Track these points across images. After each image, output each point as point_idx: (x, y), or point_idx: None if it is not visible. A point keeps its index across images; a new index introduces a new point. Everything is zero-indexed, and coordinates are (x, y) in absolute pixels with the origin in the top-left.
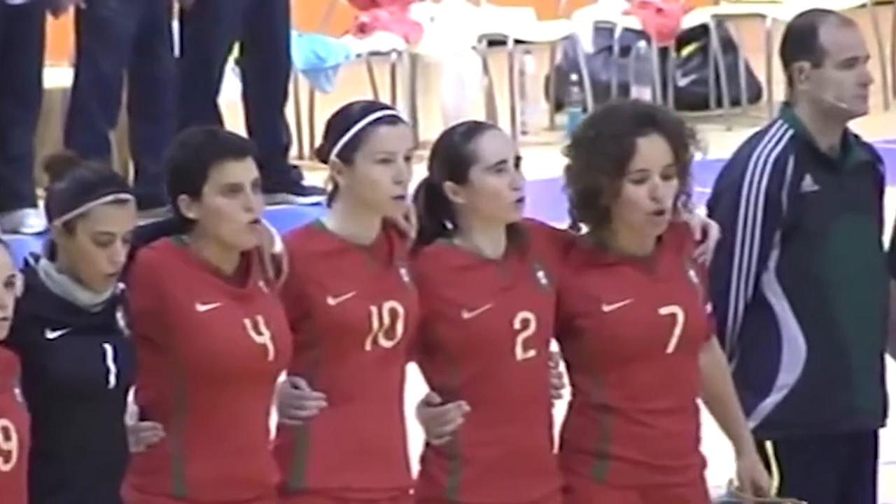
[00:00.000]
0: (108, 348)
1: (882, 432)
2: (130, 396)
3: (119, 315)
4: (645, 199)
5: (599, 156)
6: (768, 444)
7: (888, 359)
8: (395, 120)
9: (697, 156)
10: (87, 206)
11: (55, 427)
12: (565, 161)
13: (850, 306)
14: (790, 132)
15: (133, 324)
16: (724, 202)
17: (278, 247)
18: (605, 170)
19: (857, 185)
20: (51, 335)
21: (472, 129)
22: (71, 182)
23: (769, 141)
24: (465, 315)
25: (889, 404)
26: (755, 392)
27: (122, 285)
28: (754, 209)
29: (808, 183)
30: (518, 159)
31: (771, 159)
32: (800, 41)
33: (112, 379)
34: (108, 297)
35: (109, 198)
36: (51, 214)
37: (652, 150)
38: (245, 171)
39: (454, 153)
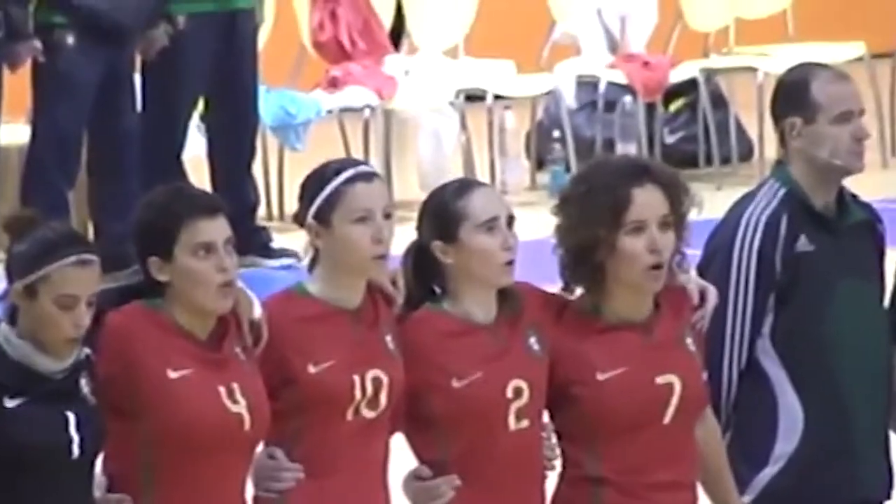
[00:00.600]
0: (71, 416)
1: None
2: (98, 467)
3: (83, 382)
4: (643, 251)
5: (593, 208)
6: None
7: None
8: (370, 176)
9: (692, 213)
10: (49, 268)
11: (16, 501)
12: (554, 220)
13: (850, 373)
14: (783, 191)
15: (100, 391)
16: (715, 264)
17: (257, 312)
18: (599, 222)
19: (856, 246)
20: (10, 403)
21: (463, 186)
22: (32, 243)
23: (761, 200)
24: (455, 384)
25: (895, 476)
26: (752, 463)
27: (87, 350)
28: (746, 271)
29: (802, 243)
30: (511, 218)
31: (763, 218)
32: (791, 96)
33: (76, 449)
34: (71, 363)
35: (72, 258)
36: (11, 277)
37: (648, 200)
38: (217, 229)
39: (443, 210)
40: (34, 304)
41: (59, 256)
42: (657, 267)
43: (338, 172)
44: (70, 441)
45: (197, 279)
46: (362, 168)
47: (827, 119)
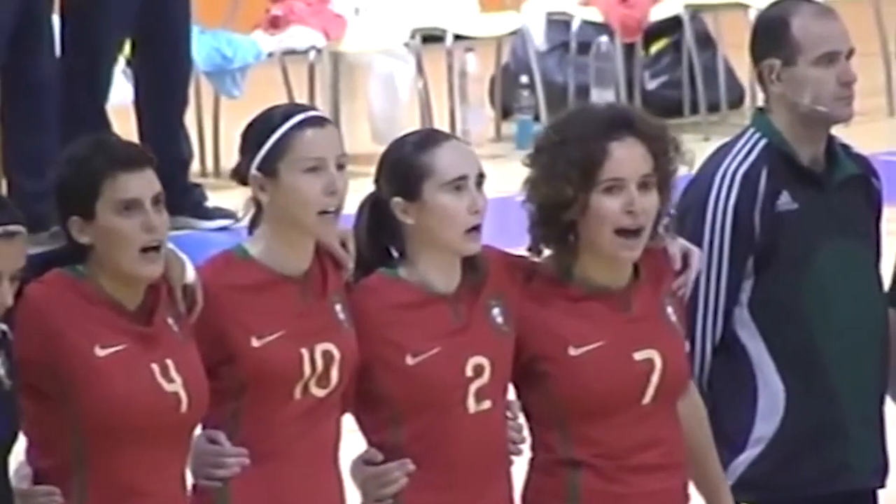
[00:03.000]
0: None
1: (882, 494)
2: (16, 456)
3: None
4: (617, 212)
5: (564, 162)
6: None
7: (889, 406)
8: (322, 122)
9: (682, 171)
10: None
11: None
12: (523, 174)
13: (838, 346)
14: (763, 141)
15: (19, 372)
16: (687, 225)
17: (190, 276)
18: (570, 178)
19: (846, 204)
20: None
21: (428, 139)
22: None
23: (739, 152)
24: (410, 361)
25: (889, 460)
26: (728, 447)
27: (2, 326)
28: (721, 232)
29: (784, 200)
30: (481, 177)
31: (740, 173)
32: (770, 35)
33: None
34: None
35: None
36: None
37: (627, 156)
38: (144, 184)
39: (406, 165)
40: None
41: None
42: (633, 232)
43: (286, 118)
44: None
45: (120, 240)
46: (313, 113)
47: (808, 60)
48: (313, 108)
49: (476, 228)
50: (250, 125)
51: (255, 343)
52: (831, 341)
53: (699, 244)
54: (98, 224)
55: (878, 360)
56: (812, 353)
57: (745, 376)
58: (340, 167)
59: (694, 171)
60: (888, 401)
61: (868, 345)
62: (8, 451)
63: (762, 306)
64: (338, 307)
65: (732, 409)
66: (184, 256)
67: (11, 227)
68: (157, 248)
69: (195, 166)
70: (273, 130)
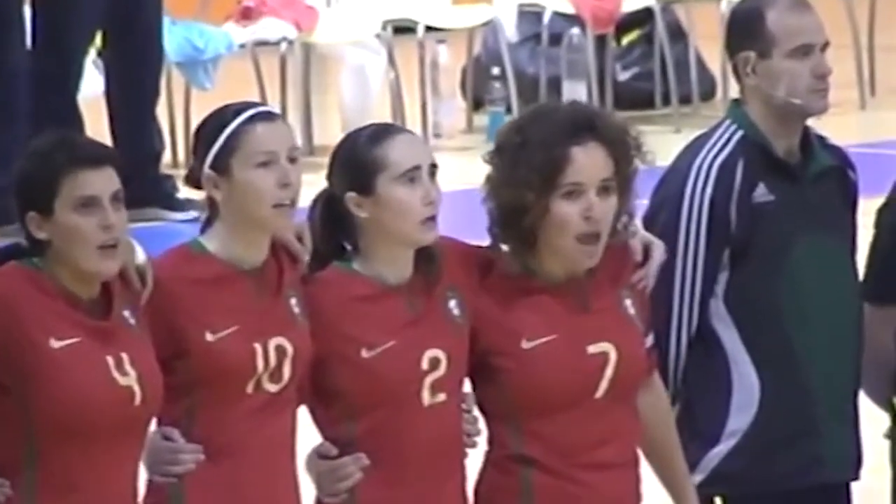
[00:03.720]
0: None
1: (855, 487)
2: None
3: None
4: (576, 218)
5: (525, 166)
6: (717, 502)
7: (863, 400)
8: (272, 116)
9: (641, 166)
10: None
11: None
12: (486, 169)
13: (813, 339)
14: (739, 133)
15: None
16: (662, 216)
17: (141, 257)
18: (530, 183)
19: (822, 196)
20: None
21: (381, 132)
22: None
23: (715, 144)
24: (364, 354)
25: (863, 453)
26: (702, 440)
27: None
28: (697, 224)
29: (760, 192)
30: (433, 167)
31: (716, 165)
32: (744, 27)
33: None
34: None
35: None
36: None
37: (588, 161)
38: (102, 181)
39: (359, 159)
40: None
41: None
42: (591, 236)
43: (236, 114)
44: None
45: (77, 237)
46: (262, 108)
47: (783, 53)
48: (263, 104)
49: (431, 219)
50: (201, 125)
51: (209, 338)
52: (806, 335)
53: (674, 236)
54: (56, 220)
55: (853, 354)
56: (787, 346)
57: (721, 369)
58: (293, 160)
59: (667, 164)
60: (862, 395)
61: (843, 339)
62: None
63: (738, 299)
64: (293, 301)
65: (707, 403)
66: (132, 240)
67: None
68: (114, 246)
69: (166, 158)
70: (224, 127)
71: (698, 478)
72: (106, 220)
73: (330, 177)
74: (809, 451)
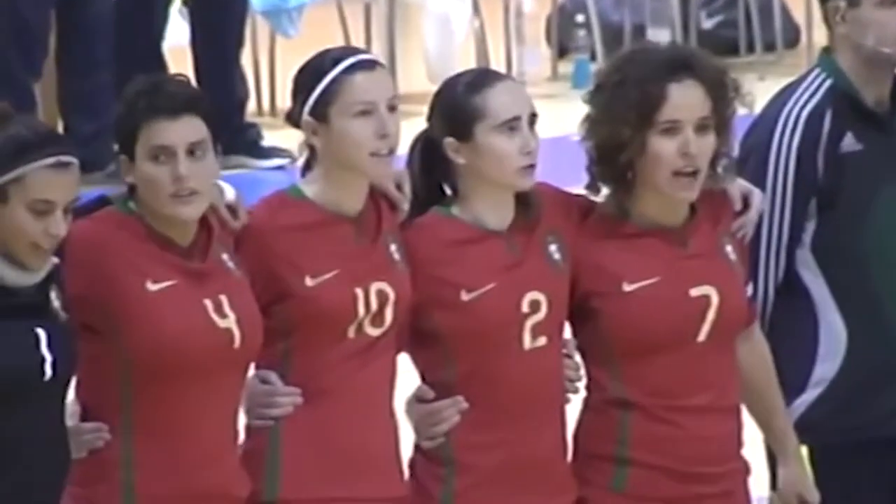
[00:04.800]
0: (42, 334)
1: None
2: (71, 392)
3: (53, 295)
4: (673, 154)
5: (622, 102)
6: (803, 450)
7: None
8: (372, 65)
9: (743, 112)
10: (23, 170)
11: None
12: (581, 113)
13: None
14: (828, 83)
15: (70, 308)
16: (749, 166)
17: (230, 195)
18: (627, 119)
19: None
20: None
21: (481, 79)
22: (4, 140)
23: (803, 93)
24: (464, 297)
25: None
26: (788, 388)
27: (55, 260)
28: (784, 173)
29: (848, 142)
30: (533, 117)
31: (805, 114)
32: None
33: (48, 369)
34: (42, 277)
35: (50, 160)
36: None
37: (685, 99)
38: (180, 131)
39: (458, 106)
40: (4, 209)
41: (35, 157)
42: (690, 174)
43: (335, 62)
44: (42, 360)
45: (150, 185)
46: (363, 56)
47: (872, 2)
48: (364, 52)
49: (529, 167)
50: (301, 70)
51: (309, 282)
52: (893, 283)
53: (762, 185)
54: (137, 167)
55: None
56: (874, 295)
57: (807, 318)
58: (392, 109)
59: (755, 112)
60: None
61: None
62: (67, 384)
63: (824, 247)
64: (392, 247)
65: (793, 351)
66: (220, 182)
67: (64, 158)
68: (188, 195)
69: (251, 106)
70: (323, 75)
71: None
72: (177, 171)
73: (429, 120)
74: (895, 399)
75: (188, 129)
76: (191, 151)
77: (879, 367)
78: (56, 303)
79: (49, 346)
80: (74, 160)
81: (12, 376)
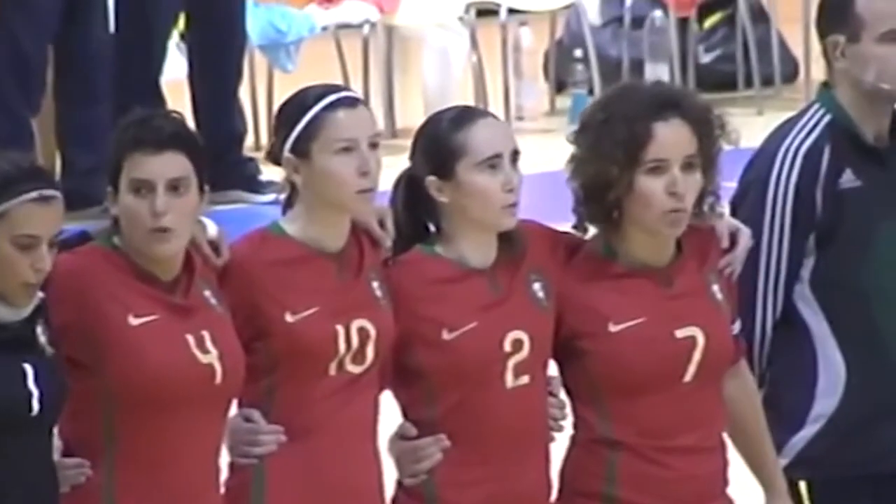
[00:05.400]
0: (29, 368)
1: None
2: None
3: (40, 330)
4: (660, 193)
5: (609, 141)
6: (802, 485)
7: None
8: (353, 102)
9: (733, 146)
10: (7, 205)
11: None
12: (569, 152)
13: None
14: (827, 118)
15: (55, 341)
16: (748, 200)
17: (212, 231)
18: (614, 158)
19: None
20: None
21: (462, 116)
22: None
23: (802, 129)
24: (446, 336)
25: None
26: (787, 424)
27: (41, 294)
28: (783, 208)
29: (847, 178)
30: (515, 154)
31: (803, 150)
32: (834, 11)
33: (35, 404)
34: (28, 313)
35: (32, 194)
36: None
37: (672, 137)
38: (161, 166)
39: (440, 144)
40: None
41: (17, 192)
42: (676, 211)
43: (318, 99)
44: (29, 395)
45: (131, 219)
46: (345, 93)
47: (872, 37)
48: (346, 89)
49: (512, 205)
50: (283, 107)
51: (290, 318)
52: (892, 319)
53: (760, 220)
54: (119, 199)
55: None
56: (873, 331)
57: (806, 353)
58: (373, 146)
59: (750, 147)
60: None
61: None
62: (55, 419)
63: (823, 284)
64: (374, 284)
65: (792, 386)
66: (202, 218)
67: (47, 192)
68: (165, 230)
69: (249, 140)
70: (305, 111)
71: (782, 462)
72: (154, 206)
73: (412, 158)
74: (894, 435)
75: (170, 165)
76: (173, 187)
77: (879, 403)
78: (42, 338)
79: (36, 380)
80: (57, 194)
81: (0, 411)
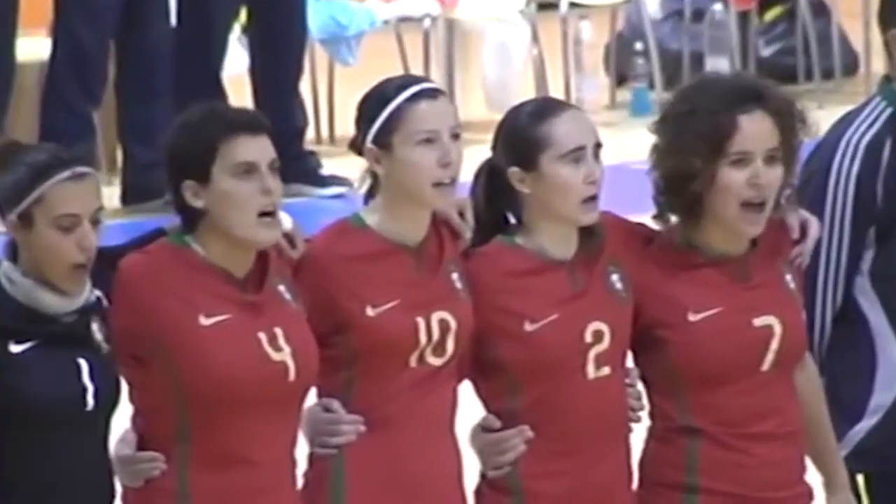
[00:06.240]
0: (84, 364)
1: None
2: (122, 423)
3: (95, 327)
4: (743, 186)
5: (693, 133)
6: (859, 478)
7: None
8: (435, 94)
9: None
10: (41, 189)
11: (22, 459)
12: (641, 142)
13: None
14: (888, 111)
15: (119, 342)
16: (808, 192)
17: (288, 224)
18: (698, 150)
19: None
20: (15, 349)
21: (546, 108)
22: (19, 167)
23: (863, 121)
24: (528, 328)
25: None
26: (845, 416)
27: (97, 292)
28: (843, 201)
29: None
30: (598, 146)
31: (864, 142)
32: (894, 4)
33: (90, 399)
34: (80, 304)
35: (65, 173)
36: (3, 210)
37: (755, 130)
38: (260, 148)
39: (523, 134)
40: (32, 234)
41: (51, 174)
42: (757, 204)
43: (399, 90)
44: (84, 390)
45: (237, 203)
46: (426, 84)
47: None
48: (427, 80)
49: (593, 198)
50: (365, 98)
51: (370, 312)
52: None
53: (820, 212)
54: (214, 188)
55: None
56: None
57: (865, 345)
58: (455, 137)
59: (810, 140)
60: None
61: None
62: (110, 414)
63: (883, 276)
64: (454, 276)
65: (851, 378)
66: (283, 213)
67: (80, 169)
68: (273, 214)
69: (310, 134)
70: (387, 103)
71: (841, 453)
72: (265, 186)
73: (494, 148)
74: None
75: (268, 147)
76: (271, 168)
77: None
78: (98, 334)
79: (91, 376)
80: (91, 171)
81: (54, 406)
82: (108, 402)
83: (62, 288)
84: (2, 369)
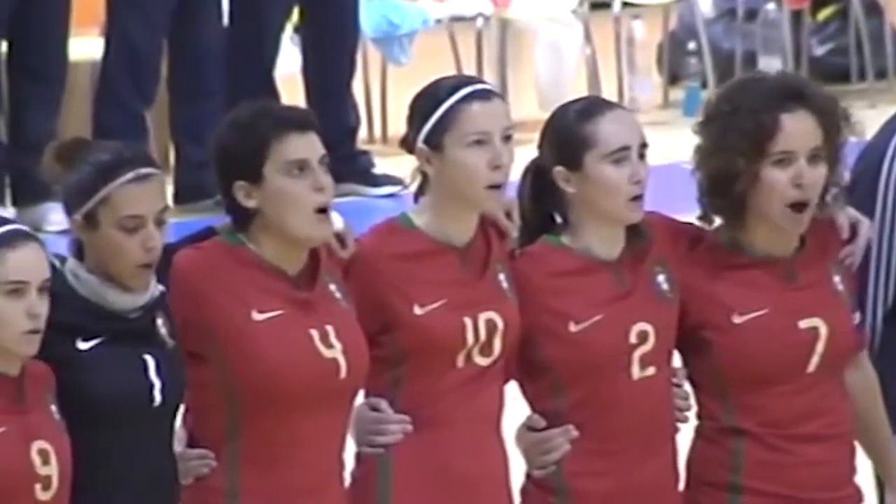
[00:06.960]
0: (150, 360)
1: None
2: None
3: (160, 322)
4: (787, 185)
5: (736, 133)
6: None
7: None
8: (488, 95)
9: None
10: (106, 191)
11: (90, 454)
12: (691, 142)
13: None
14: None
15: (177, 335)
16: (858, 192)
17: (338, 223)
18: (741, 150)
19: None
20: (83, 346)
21: (592, 107)
22: (84, 168)
23: None
24: (573, 328)
25: None
26: (894, 416)
27: (161, 288)
28: (893, 201)
29: None
30: (643, 146)
31: None
32: None
33: (157, 395)
34: (146, 300)
35: (129, 175)
36: (69, 209)
37: (799, 129)
38: (311, 146)
39: (568, 134)
40: (97, 233)
41: (116, 176)
42: (801, 204)
43: (452, 91)
44: (151, 387)
45: (290, 200)
46: (479, 85)
47: None
48: (480, 81)
49: (638, 197)
50: (417, 97)
51: (418, 311)
52: None
53: (871, 210)
54: (267, 187)
55: None
56: None
57: None
58: (507, 139)
59: (862, 140)
60: None
61: None
62: (176, 410)
63: None
64: (501, 276)
65: None
66: (334, 213)
67: (144, 170)
68: (327, 210)
69: (362, 133)
70: (439, 104)
71: None
72: (318, 182)
73: (540, 148)
74: None
75: (317, 143)
76: (321, 166)
77: None
78: (163, 329)
79: (157, 371)
80: (156, 171)
81: (121, 402)
82: (174, 398)
83: (128, 285)
84: (70, 366)
